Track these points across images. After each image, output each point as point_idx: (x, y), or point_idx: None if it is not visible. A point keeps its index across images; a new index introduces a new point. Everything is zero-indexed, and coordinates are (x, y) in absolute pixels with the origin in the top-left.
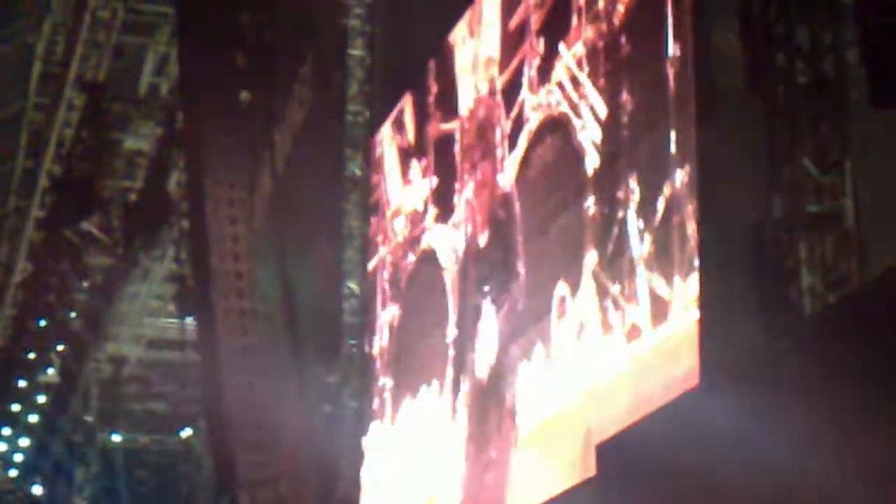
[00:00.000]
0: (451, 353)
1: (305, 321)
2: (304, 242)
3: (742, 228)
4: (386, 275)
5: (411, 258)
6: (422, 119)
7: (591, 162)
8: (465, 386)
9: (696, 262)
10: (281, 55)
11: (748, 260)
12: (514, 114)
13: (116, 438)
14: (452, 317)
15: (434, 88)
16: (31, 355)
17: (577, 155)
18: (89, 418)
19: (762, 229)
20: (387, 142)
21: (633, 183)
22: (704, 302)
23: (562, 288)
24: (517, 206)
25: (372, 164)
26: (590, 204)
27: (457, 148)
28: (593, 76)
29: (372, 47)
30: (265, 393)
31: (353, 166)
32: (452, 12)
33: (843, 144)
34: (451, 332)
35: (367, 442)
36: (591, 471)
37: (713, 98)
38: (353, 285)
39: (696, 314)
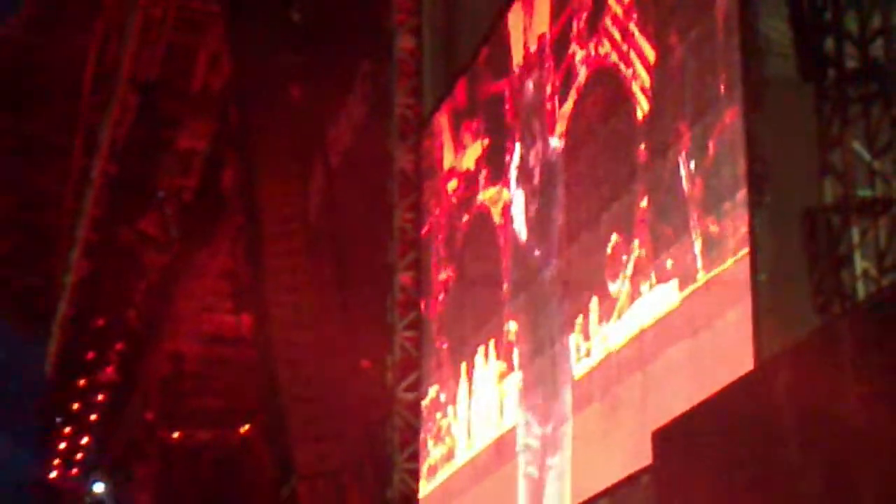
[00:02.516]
0: (505, 311)
1: (359, 315)
2: (356, 236)
3: (794, 215)
4: (440, 237)
5: (465, 219)
6: (472, 81)
7: (641, 109)
8: (521, 346)
9: (748, 250)
10: (332, 51)
11: (801, 246)
12: (563, 68)
13: (176, 435)
14: (507, 276)
15: (484, 50)
16: (91, 354)
17: (628, 103)
18: (149, 415)
19: (814, 215)
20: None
21: (684, 128)
22: (757, 285)
23: (616, 238)
24: (567, 162)
25: (423, 155)
26: (642, 150)
27: (507, 107)
28: (641, 23)
29: (421, 41)
30: (322, 386)
31: (403, 160)
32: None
33: (894, 128)
34: (506, 290)
35: (423, 428)
36: (647, 458)
37: (763, 85)
38: (405, 277)
39: (750, 299)
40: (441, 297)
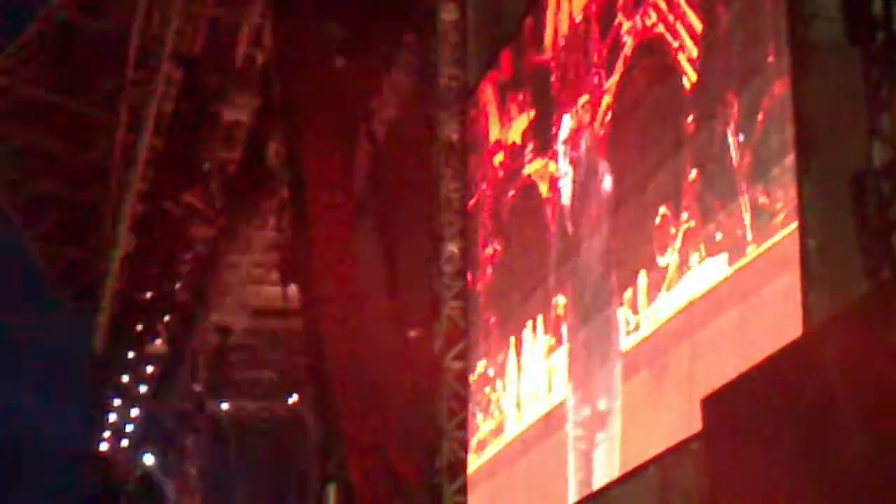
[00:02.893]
0: (553, 285)
1: (407, 284)
2: (403, 206)
3: (843, 178)
4: (487, 210)
5: (511, 192)
6: (518, 53)
7: (689, 80)
8: (569, 320)
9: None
10: (374, 22)
11: (850, 210)
12: (609, 39)
13: (225, 406)
14: (554, 249)
15: (528, 22)
16: (139, 327)
17: (675, 73)
18: (198, 387)
19: (864, 179)
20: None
21: (732, 97)
22: (806, 251)
23: (664, 210)
24: (613, 134)
25: (468, 127)
26: (689, 122)
27: (553, 78)
28: None
29: (465, 11)
30: (369, 359)
31: (449, 130)
32: None
33: None
34: (553, 264)
35: (472, 401)
36: (697, 425)
37: (810, 48)
38: (453, 248)
39: (799, 266)
40: (488, 271)
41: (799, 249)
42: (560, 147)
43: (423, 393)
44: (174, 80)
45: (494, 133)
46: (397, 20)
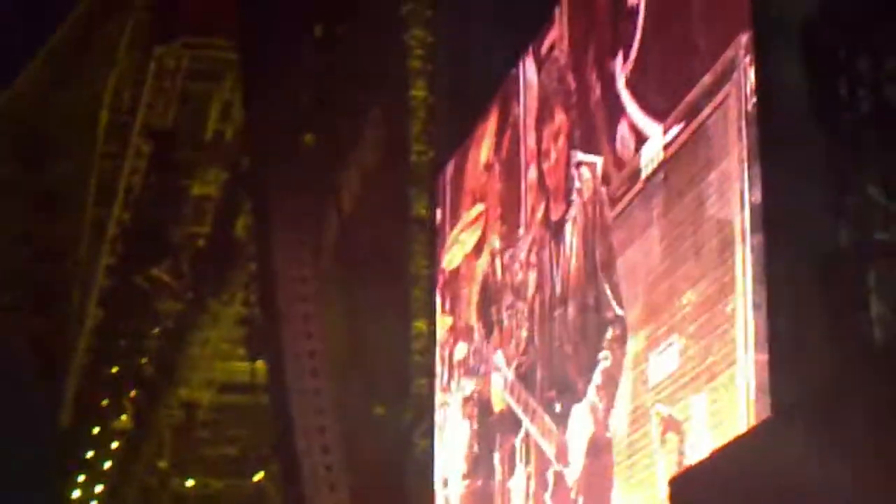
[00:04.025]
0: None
1: (374, 362)
2: (371, 283)
3: (810, 259)
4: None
5: None
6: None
7: None
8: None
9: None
10: (344, 98)
11: (817, 290)
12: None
13: (190, 483)
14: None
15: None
16: (105, 402)
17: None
18: (163, 464)
19: (830, 259)
20: None
21: None
22: (774, 333)
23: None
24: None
25: (437, 203)
26: None
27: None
28: None
29: (433, 87)
30: (337, 434)
31: (418, 206)
32: (510, 49)
33: None
34: None
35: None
36: None
37: (776, 128)
38: (421, 325)
39: (766, 344)
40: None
41: (767, 329)
42: None
43: (389, 470)
44: (143, 153)
45: None
46: (366, 95)
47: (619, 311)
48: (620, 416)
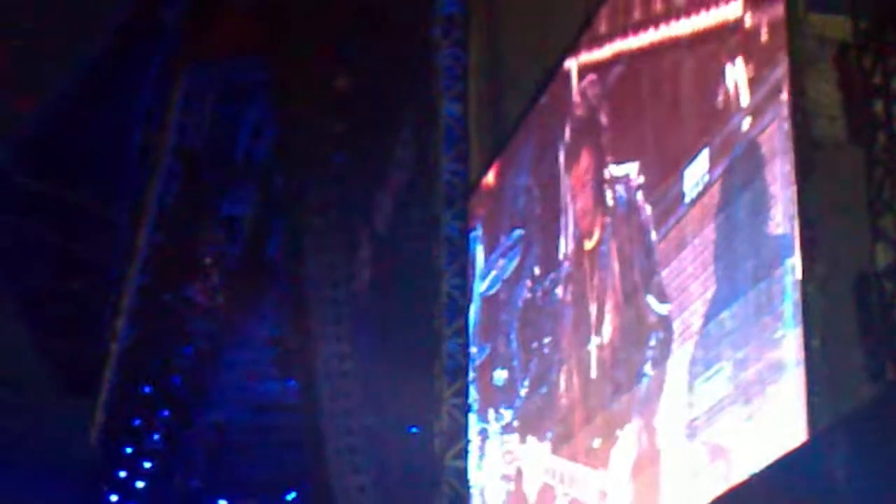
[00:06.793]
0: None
1: (407, 383)
2: (404, 304)
3: (846, 280)
4: None
5: None
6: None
7: None
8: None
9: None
10: (377, 119)
11: (853, 311)
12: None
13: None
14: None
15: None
16: (137, 422)
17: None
18: (195, 484)
19: (867, 279)
20: None
21: None
22: (810, 355)
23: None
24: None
25: (469, 223)
26: None
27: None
28: None
29: (466, 107)
30: (368, 455)
31: (451, 227)
32: (545, 68)
33: None
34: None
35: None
36: None
37: (812, 149)
38: (453, 347)
39: (803, 366)
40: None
41: (803, 351)
42: None
43: (422, 491)
44: (175, 173)
45: None
46: (398, 115)
47: (660, 335)
48: (663, 439)
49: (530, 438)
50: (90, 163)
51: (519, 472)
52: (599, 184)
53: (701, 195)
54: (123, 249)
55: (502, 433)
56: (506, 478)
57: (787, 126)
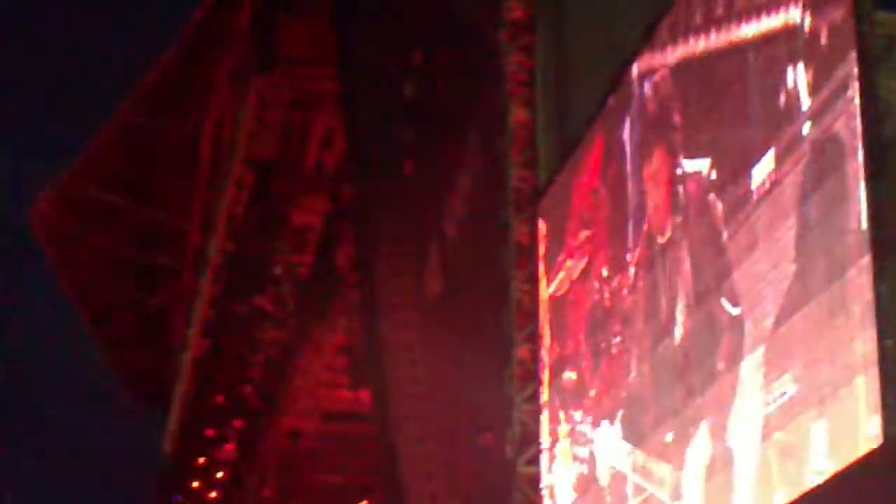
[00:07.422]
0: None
1: (478, 389)
2: (474, 309)
3: None
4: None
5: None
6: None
7: None
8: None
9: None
10: (444, 125)
11: None
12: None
13: None
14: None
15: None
16: (210, 431)
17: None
18: (267, 492)
19: None
20: None
21: None
22: (884, 355)
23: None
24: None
25: (538, 229)
26: None
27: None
28: None
29: (534, 112)
30: (441, 462)
31: (519, 232)
32: (612, 71)
33: None
34: None
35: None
36: None
37: (882, 147)
38: (523, 352)
39: (877, 370)
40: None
41: (877, 351)
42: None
43: (494, 497)
44: (246, 183)
45: None
46: (466, 122)
47: (732, 336)
48: (736, 441)
49: (602, 431)
50: (161, 175)
51: (592, 456)
52: (672, 181)
53: (769, 194)
54: (194, 260)
55: (572, 435)
56: (578, 460)
57: (856, 125)
